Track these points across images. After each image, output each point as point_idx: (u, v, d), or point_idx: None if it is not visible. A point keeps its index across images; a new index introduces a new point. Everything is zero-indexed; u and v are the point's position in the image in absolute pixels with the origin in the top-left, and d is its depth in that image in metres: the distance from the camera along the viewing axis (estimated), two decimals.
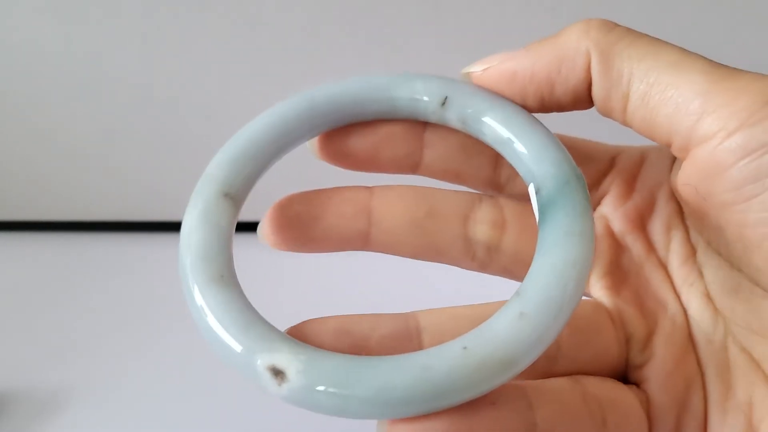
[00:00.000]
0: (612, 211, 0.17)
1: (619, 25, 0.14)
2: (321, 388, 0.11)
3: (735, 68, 0.12)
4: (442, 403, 0.11)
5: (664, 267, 0.16)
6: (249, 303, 0.13)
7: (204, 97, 0.28)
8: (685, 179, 0.13)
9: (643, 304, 0.16)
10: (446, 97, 0.14)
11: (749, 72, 0.12)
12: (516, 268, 0.16)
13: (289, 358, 0.11)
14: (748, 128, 0.11)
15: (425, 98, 0.15)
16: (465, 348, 0.11)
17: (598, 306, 0.16)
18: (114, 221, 0.32)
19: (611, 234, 0.17)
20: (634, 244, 0.16)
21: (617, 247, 0.17)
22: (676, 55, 0.13)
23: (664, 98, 0.12)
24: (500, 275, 0.16)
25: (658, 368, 0.15)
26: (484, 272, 0.16)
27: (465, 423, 0.12)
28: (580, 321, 0.15)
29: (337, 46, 0.27)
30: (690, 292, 0.16)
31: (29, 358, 0.24)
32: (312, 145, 0.16)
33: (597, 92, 0.14)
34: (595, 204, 0.17)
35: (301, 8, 0.26)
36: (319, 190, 0.16)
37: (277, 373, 0.11)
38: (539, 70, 0.14)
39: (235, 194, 0.15)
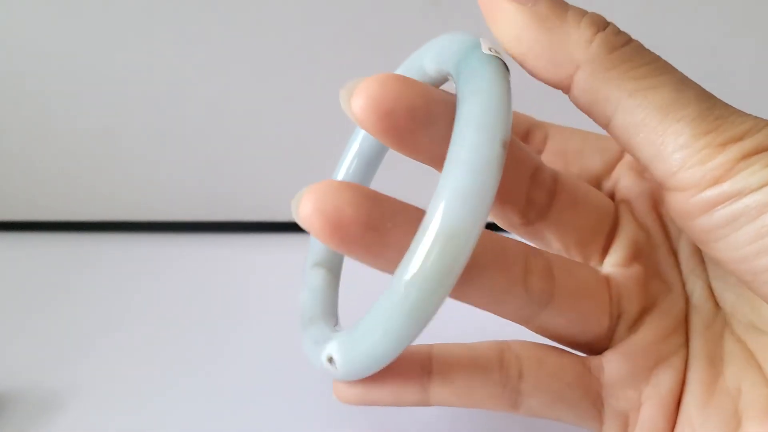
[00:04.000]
0: (634, 194, 0.18)
1: (626, 44, 0.13)
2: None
3: (726, 111, 0.12)
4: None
5: (675, 254, 0.17)
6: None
7: (205, 97, 0.28)
8: (668, 209, 0.14)
9: (647, 285, 0.17)
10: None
11: (739, 116, 0.12)
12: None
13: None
14: (718, 184, 0.12)
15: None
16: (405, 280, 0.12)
17: (599, 276, 0.17)
18: (114, 221, 0.32)
19: (632, 214, 0.18)
20: (653, 225, 0.18)
21: (638, 226, 0.17)
22: (668, 95, 0.12)
23: (647, 141, 0.13)
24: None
25: (634, 342, 0.16)
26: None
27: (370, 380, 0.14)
28: (578, 279, 0.16)
29: (337, 46, 0.27)
30: (695, 282, 0.17)
31: (29, 358, 0.24)
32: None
33: (576, 100, 0.14)
34: (609, 191, 0.19)
35: (301, 8, 0.26)
36: None
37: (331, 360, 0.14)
38: (525, 42, 0.14)
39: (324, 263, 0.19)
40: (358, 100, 0.13)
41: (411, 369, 0.15)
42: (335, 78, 0.27)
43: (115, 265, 0.30)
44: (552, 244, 0.17)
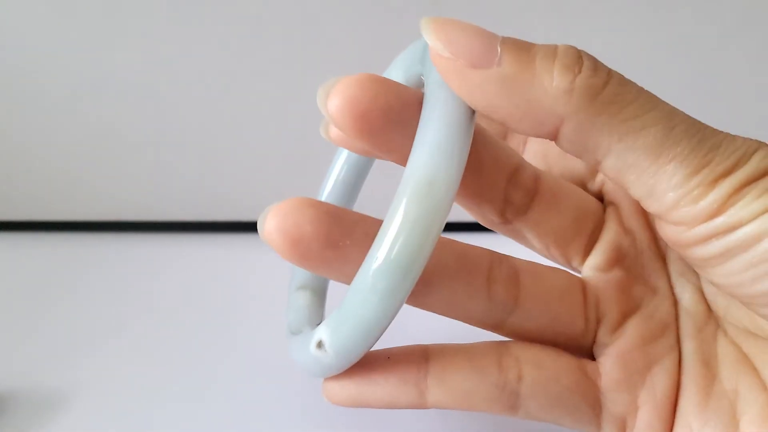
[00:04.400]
0: (620, 197, 0.18)
1: (606, 83, 0.12)
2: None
3: (716, 141, 0.12)
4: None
5: (663, 258, 0.17)
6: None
7: (205, 97, 0.28)
8: (661, 235, 0.14)
9: (630, 288, 0.17)
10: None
11: (730, 144, 0.12)
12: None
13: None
14: (711, 219, 0.12)
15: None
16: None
17: (573, 280, 0.17)
18: (114, 221, 0.32)
19: (618, 217, 0.18)
20: (639, 229, 0.17)
21: (622, 230, 0.17)
22: (658, 134, 0.12)
23: (641, 181, 0.13)
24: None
25: (621, 344, 0.16)
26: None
27: (363, 373, 0.14)
28: (546, 284, 0.16)
29: (337, 46, 0.27)
30: (684, 285, 0.17)
31: (29, 358, 0.24)
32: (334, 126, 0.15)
33: (564, 147, 0.13)
34: (595, 192, 0.18)
35: (301, 8, 0.26)
36: None
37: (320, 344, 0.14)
38: (499, 106, 0.13)
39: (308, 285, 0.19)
40: (334, 100, 0.13)
41: (407, 370, 0.15)
42: (335, 77, 0.27)
43: (115, 265, 0.30)
44: (532, 242, 0.17)
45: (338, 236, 0.13)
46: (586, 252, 0.17)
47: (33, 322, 0.26)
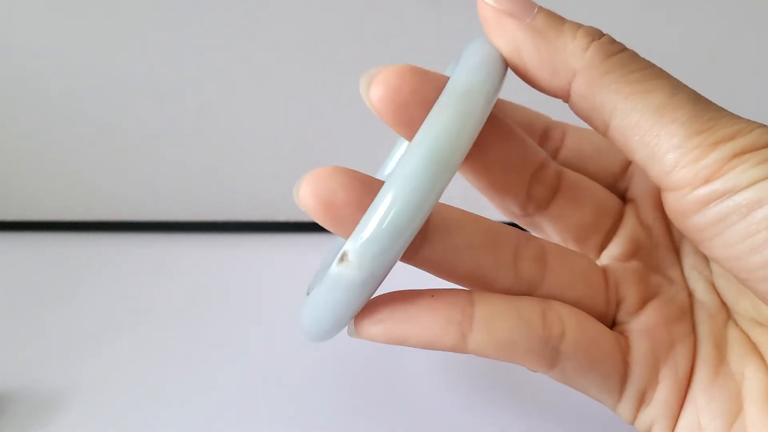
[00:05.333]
0: (640, 193, 0.18)
1: (620, 51, 0.14)
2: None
3: (718, 113, 0.13)
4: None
5: (677, 252, 0.18)
6: None
7: (205, 97, 0.28)
8: (665, 209, 0.14)
9: (647, 277, 0.17)
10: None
11: (731, 118, 0.13)
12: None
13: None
14: (711, 182, 0.13)
15: None
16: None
17: (596, 267, 0.17)
18: (114, 221, 0.32)
19: (636, 212, 0.18)
20: (655, 224, 0.18)
21: (639, 224, 0.18)
22: (663, 98, 0.13)
23: (643, 142, 0.13)
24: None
25: (645, 320, 0.16)
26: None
27: (405, 308, 0.14)
28: (571, 265, 0.16)
29: (336, 46, 0.27)
30: (697, 278, 0.17)
31: (29, 358, 0.24)
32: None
33: (575, 108, 0.14)
34: (623, 190, 0.19)
35: (301, 8, 0.26)
36: None
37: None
38: (525, 52, 0.14)
39: None
40: (376, 89, 0.14)
41: (453, 310, 0.15)
42: (334, 78, 0.27)
43: (116, 265, 0.30)
44: (552, 236, 0.18)
45: (368, 201, 0.13)
46: (603, 246, 0.18)
47: (33, 322, 0.26)
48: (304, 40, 0.26)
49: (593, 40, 0.14)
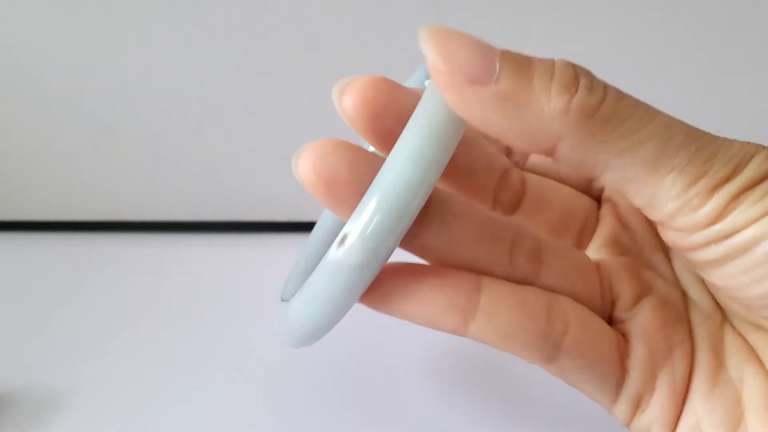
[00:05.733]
0: (618, 196, 0.18)
1: (602, 101, 0.12)
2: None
3: (713, 148, 0.13)
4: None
5: (665, 252, 0.18)
6: None
7: (204, 97, 0.28)
8: (662, 237, 0.14)
9: (640, 273, 0.17)
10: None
11: (728, 150, 0.13)
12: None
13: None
14: (711, 226, 0.13)
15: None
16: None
17: (589, 261, 0.17)
18: (114, 221, 0.32)
19: (616, 213, 0.18)
20: (638, 224, 0.18)
21: (619, 225, 0.18)
22: (656, 147, 0.12)
23: (641, 193, 0.13)
24: None
25: (643, 323, 0.16)
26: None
27: (410, 284, 0.14)
28: (567, 261, 0.16)
29: (337, 46, 0.27)
30: (688, 278, 0.17)
31: (29, 358, 0.24)
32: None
33: (563, 164, 0.14)
34: (598, 191, 0.19)
35: (301, 8, 0.26)
36: None
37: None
38: (496, 123, 0.12)
39: None
40: (349, 98, 0.14)
41: (458, 294, 0.14)
42: (334, 78, 0.27)
43: (116, 265, 0.30)
44: None
45: (370, 180, 0.13)
46: (580, 246, 0.18)
47: (33, 322, 0.26)
48: (304, 40, 0.26)
49: (571, 96, 0.12)
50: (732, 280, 0.13)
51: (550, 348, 0.15)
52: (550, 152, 0.13)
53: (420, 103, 0.13)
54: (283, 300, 0.16)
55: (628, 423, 0.16)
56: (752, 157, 0.13)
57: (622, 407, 0.16)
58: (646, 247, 0.18)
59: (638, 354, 0.15)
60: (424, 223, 0.14)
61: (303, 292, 0.14)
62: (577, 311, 0.15)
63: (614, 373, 0.15)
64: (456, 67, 0.12)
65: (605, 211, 0.18)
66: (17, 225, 0.32)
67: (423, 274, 0.14)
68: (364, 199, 0.13)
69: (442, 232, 0.14)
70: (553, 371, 0.15)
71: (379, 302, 0.14)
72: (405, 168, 0.12)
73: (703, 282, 0.17)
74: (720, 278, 0.13)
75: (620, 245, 0.18)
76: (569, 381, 0.16)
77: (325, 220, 0.19)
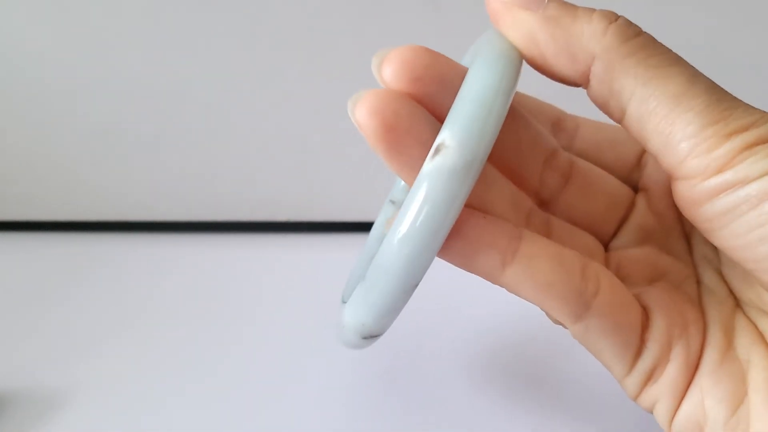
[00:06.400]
0: (652, 182, 0.19)
1: (638, 35, 0.14)
2: None
3: (734, 103, 0.13)
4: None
5: (687, 240, 0.18)
6: None
7: (205, 97, 0.28)
8: (674, 198, 0.14)
9: (657, 261, 0.17)
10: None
11: (747, 109, 0.13)
12: None
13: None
14: (722, 172, 0.13)
15: None
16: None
17: (597, 243, 0.18)
18: (114, 221, 0.32)
19: (648, 201, 0.18)
20: (666, 212, 0.18)
21: (650, 213, 0.18)
22: (680, 85, 0.13)
23: (658, 129, 0.13)
24: None
25: (660, 298, 0.16)
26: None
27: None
28: (570, 243, 0.17)
29: (337, 46, 0.27)
30: (706, 268, 0.18)
31: (29, 358, 0.24)
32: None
33: (594, 94, 0.14)
34: (636, 181, 0.19)
35: (301, 8, 0.26)
36: None
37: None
38: (541, 42, 0.14)
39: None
40: (389, 66, 0.14)
41: (500, 237, 0.15)
42: (335, 78, 0.27)
43: (116, 265, 0.30)
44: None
45: (429, 135, 0.13)
46: (614, 235, 0.18)
47: (33, 322, 0.26)
48: (304, 40, 0.26)
49: (610, 23, 0.14)
50: (739, 239, 0.13)
51: (581, 304, 0.15)
52: (585, 77, 0.14)
53: (474, 57, 0.14)
54: (343, 302, 0.16)
55: (637, 395, 0.16)
56: None
57: (635, 378, 0.16)
58: (671, 233, 0.18)
59: (658, 324, 0.16)
60: None
61: (390, 235, 0.13)
62: (608, 276, 0.16)
63: (635, 340, 0.15)
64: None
65: (639, 200, 0.19)
66: (17, 225, 0.32)
67: (467, 214, 0.15)
68: (457, 105, 0.13)
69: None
70: (578, 331, 0.15)
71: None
72: (487, 76, 0.13)
73: (718, 271, 0.17)
74: (728, 238, 0.13)
75: (646, 231, 0.18)
76: (591, 344, 0.16)
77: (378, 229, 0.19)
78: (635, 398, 0.16)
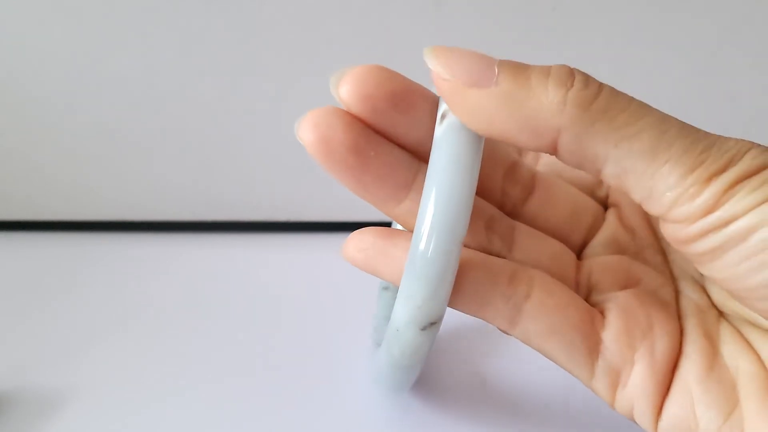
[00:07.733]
0: (622, 197, 0.19)
1: (597, 94, 0.13)
2: None
3: (708, 142, 0.13)
4: None
5: (664, 254, 0.18)
6: None
7: (204, 97, 0.28)
8: (663, 234, 0.15)
9: (628, 268, 0.17)
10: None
11: (723, 145, 0.13)
12: None
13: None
14: (708, 216, 0.13)
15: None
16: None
17: (567, 251, 0.18)
18: (114, 221, 0.32)
19: (619, 216, 0.18)
20: (640, 227, 0.18)
21: (622, 227, 0.18)
22: (652, 139, 0.13)
23: (639, 185, 0.13)
24: None
25: (621, 301, 0.16)
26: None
27: (384, 248, 0.15)
28: (539, 243, 0.17)
29: (337, 46, 0.27)
30: (686, 280, 0.18)
31: (29, 358, 0.24)
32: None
33: (565, 160, 0.14)
34: (603, 197, 0.19)
35: (301, 8, 0.26)
36: None
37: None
38: (499, 122, 0.13)
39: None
40: (345, 85, 0.14)
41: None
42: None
43: (115, 265, 0.30)
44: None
45: (364, 146, 0.14)
46: (584, 245, 0.18)
47: (32, 321, 0.26)
48: (304, 40, 0.26)
49: (568, 90, 0.13)
50: (730, 270, 0.13)
51: (511, 310, 0.15)
52: (552, 147, 0.14)
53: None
54: (378, 345, 0.17)
55: (612, 402, 0.16)
56: (747, 151, 0.13)
57: (600, 381, 0.16)
58: (645, 248, 0.18)
59: (613, 325, 0.16)
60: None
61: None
62: (544, 280, 0.16)
63: (585, 340, 0.15)
64: (458, 74, 0.13)
65: (610, 215, 0.19)
66: (17, 225, 0.32)
67: (396, 236, 0.15)
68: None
69: None
70: (518, 335, 0.16)
71: (359, 260, 0.16)
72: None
73: (699, 284, 0.17)
74: (718, 270, 0.13)
75: (618, 245, 0.18)
76: (540, 349, 0.16)
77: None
78: (612, 405, 0.16)
